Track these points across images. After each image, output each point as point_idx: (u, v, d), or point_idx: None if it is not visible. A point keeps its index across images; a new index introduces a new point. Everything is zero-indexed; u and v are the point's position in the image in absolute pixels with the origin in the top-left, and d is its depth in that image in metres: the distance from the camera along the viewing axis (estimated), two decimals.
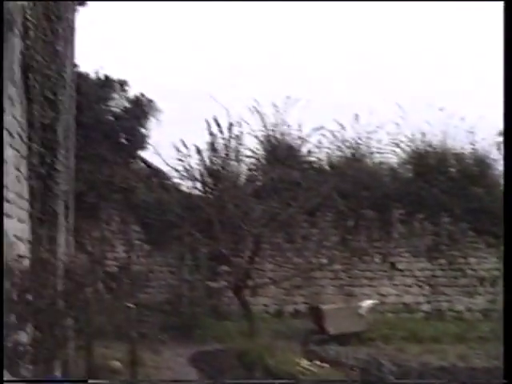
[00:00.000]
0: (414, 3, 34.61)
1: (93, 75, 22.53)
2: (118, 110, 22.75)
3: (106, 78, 22.58)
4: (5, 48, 7.03)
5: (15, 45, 7.87)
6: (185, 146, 20.33)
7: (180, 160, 20.53)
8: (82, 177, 20.15)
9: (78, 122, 20.13)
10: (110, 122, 22.25)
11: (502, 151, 21.36)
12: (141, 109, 22.66)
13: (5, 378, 3.11)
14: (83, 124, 20.67)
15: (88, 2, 19.78)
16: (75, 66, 21.68)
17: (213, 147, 20.67)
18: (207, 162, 20.54)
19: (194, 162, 20.33)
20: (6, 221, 7.36)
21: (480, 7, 33.62)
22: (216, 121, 20.43)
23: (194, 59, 35.73)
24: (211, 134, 20.46)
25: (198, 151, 20.46)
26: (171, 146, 20.29)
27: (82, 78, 21.75)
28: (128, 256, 21.28)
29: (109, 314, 10.10)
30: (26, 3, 8.22)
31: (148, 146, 22.49)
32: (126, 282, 15.47)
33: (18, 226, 8.30)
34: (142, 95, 22.91)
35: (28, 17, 8.36)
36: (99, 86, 22.32)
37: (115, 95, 22.73)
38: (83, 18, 20.03)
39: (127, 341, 12.25)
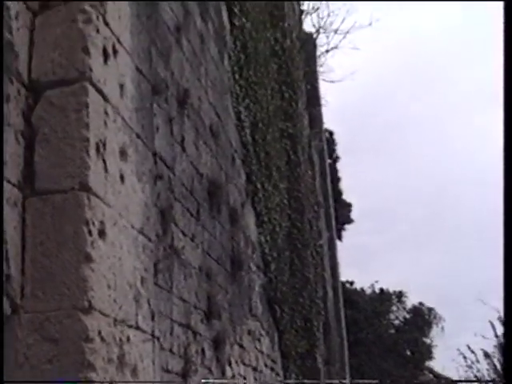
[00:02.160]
0: None
1: (368, 290, 22.65)
2: (397, 322, 22.44)
3: (382, 291, 22.58)
4: (239, 283, 7.22)
5: (255, 280, 8.09)
6: (471, 351, 19.38)
7: (469, 367, 19.56)
8: None
9: (358, 339, 20.14)
10: (391, 335, 21.93)
11: None
12: (422, 318, 22.16)
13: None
14: (364, 340, 20.63)
15: None
16: (351, 283, 22.08)
17: (501, 350, 19.46)
18: (497, 366, 19.29)
19: (483, 367, 19.22)
20: None
21: None
22: (501, 320, 19.39)
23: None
24: (497, 335, 19.33)
25: (486, 355, 19.36)
26: (457, 353, 19.49)
27: (358, 294, 22.00)
28: None
29: None
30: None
31: (434, 356, 21.69)
32: None
33: None
34: (421, 304, 22.50)
35: (266, 251, 8.63)
36: (376, 301, 22.30)
37: (393, 307, 22.54)
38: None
39: None
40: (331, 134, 21.72)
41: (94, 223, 3.19)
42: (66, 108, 3.27)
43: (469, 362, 19.55)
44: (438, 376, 21.55)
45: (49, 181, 3.22)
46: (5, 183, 3.09)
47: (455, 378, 20.16)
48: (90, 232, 3.15)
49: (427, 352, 21.75)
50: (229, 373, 6.45)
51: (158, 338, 3.90)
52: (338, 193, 21.37)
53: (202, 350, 5.70)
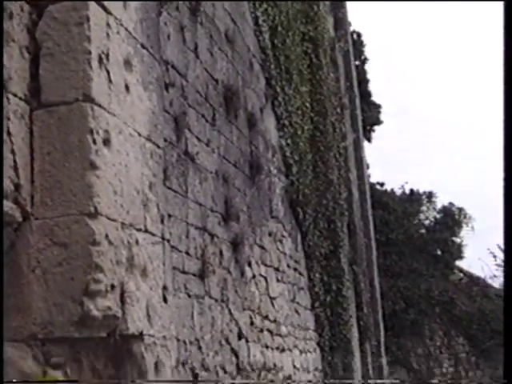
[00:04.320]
0: None
1: (398, 191, 22.72)
2: (428, 222, 22.59)
3: (412, 191, 22.65)
4: (258, 186, 7.37)
5: (276, 183, 8.24)
6: (501, 250, 19.60)
7: (498, 265, 19.88)
8: (399, 294, 20.20)
9: (389, 240, 20.42)
10: (421, 235, 22.11)
11: None
12: (452, 218, 22.27)
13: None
14: (395, 241, 20.91)
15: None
16: (382, 184, 22.20)
17: None
18: None
19: None
20: (280, 355, 7.55)
21: None
22: None
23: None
24: None
25: None
26: (488, 253, 19.85)
27: (388, 195, 22.13)
28: (455, 370, 20.49)
29: None
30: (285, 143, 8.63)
31: (464, 255, 21.94)
32: None
33: (299, 358, 8.44)
34: (451, 204, 22.56)
35: (287, 154, 8.75)
36: (406, 201, 22.40)
37: (423, 208, 22.64)
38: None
39: None
40: (359, 35, 21.40)
41: (98, 132, 3.33)
42: (68, 22, 3.37)
43: (499, 261, 19.90)
44: (467, 274, 21.85)
45: (54, 93, 3.35)
46: (12, 97, 3.23)
47: (481, 275, 20.62)
48: (94, 141, 3.30)
49: (457, 251, 21.93)
50: (249, 273, 6.68)
51: (169, 241, 4.08)
52: (366, 94, 21.23)
53: (220, 252, 5.92)
